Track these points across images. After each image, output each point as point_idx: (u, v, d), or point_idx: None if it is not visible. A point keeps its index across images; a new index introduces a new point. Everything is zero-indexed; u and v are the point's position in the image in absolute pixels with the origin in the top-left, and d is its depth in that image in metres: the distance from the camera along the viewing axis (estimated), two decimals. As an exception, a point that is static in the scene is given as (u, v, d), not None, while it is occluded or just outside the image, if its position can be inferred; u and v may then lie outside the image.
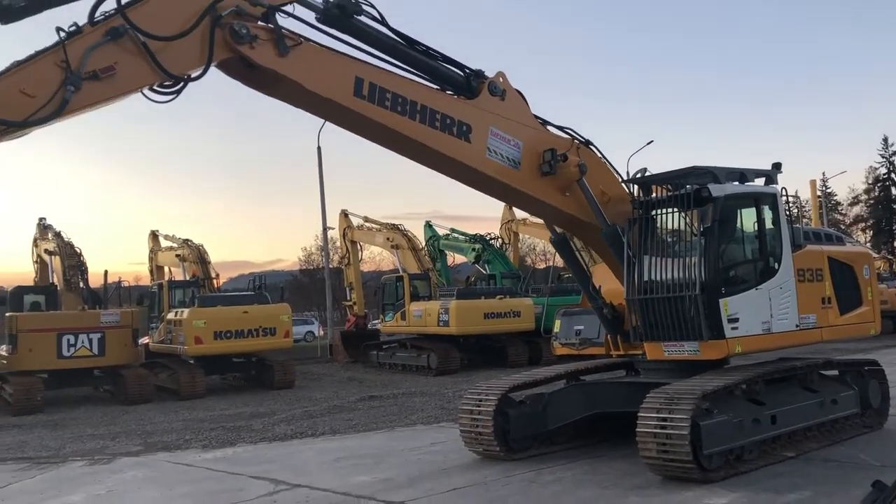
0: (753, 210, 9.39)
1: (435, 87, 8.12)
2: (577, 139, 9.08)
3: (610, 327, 9.74)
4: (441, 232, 31.17)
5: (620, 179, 9.57)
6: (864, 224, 76.66)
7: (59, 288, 20.92)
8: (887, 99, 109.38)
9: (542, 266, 65.65)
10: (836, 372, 10.46)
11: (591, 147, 9.25)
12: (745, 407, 8.56)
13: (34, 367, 18.41)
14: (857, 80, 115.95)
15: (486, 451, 9.55)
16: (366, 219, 29.42)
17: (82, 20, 6.04)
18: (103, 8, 6.14)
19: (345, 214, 30.21)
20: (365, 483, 8.75)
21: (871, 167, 75.93)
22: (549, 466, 9.05)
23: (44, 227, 22.67)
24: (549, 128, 9.01)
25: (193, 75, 6.56)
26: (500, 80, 8.49)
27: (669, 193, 9.24)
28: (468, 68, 8.35)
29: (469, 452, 9.79)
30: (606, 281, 9.85)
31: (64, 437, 13.81)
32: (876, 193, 76.13)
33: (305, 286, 67.98)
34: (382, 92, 7.43)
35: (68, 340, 18.54)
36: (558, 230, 9.93)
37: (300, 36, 7.05)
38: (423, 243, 29.34)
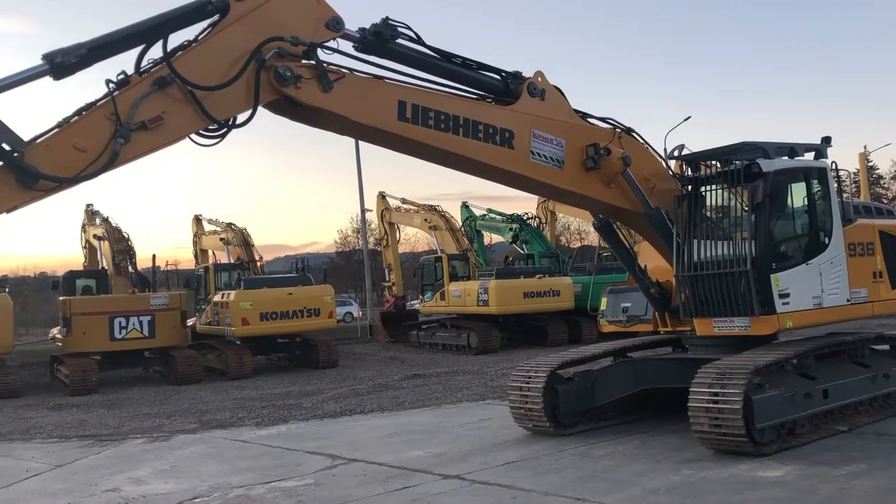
0: (804, 185, 9.38)
1: (475, 97, 8.20)
2: (618, 128, 9.10)
3: (658, 305, 9.79)
4: (478, 212, 31.24)
5: (664, 159, 9.56)
6: (908, 198, 74.91)
7: (108, 272, 21.49)
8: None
9: (578, 245, 65.42)
10: (887, 346, 10.42)
11: (634, 134, 9.24)
12: (797, 381, 8.58)
13: (88, 349, 18.99)
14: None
15: (535, 427, 9.70)
16: (403, 200, 29.60)
17: (131, 68, 6.10)
18: (150, 54, 6.21)
19: (382, 196, 30.39)
20: (419, 457, 8.97)
21: (916, 139, 73.98)
22: (598, 442, 9.19)
23: (91, 213, 23.24)
24: (589, 120, 9.04)
25: (240, 120, 6.60)
26: (539, 79, 8.52)
27: (719, 169, 9.24)
28: (505, 72, 8.40)
29: (518, 428, 9.95)
30: (651, 259, 9.90)
31: (121, 416, 14.29)
32: (922, 166, 74.16)
33: (342, 268, 68.50)
34: (425, 111, 7.53)
35: (120, 323, 19.08)
36: (601, 216, 9.98)
37: (342, 67, 7.10)
38: (461, 224, 29.45)
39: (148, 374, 21.42)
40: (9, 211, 5.48)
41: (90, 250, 23.70)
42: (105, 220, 22.10)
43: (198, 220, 27.62)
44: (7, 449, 11.62)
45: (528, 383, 9.65)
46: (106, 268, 21.83)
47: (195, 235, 27.57)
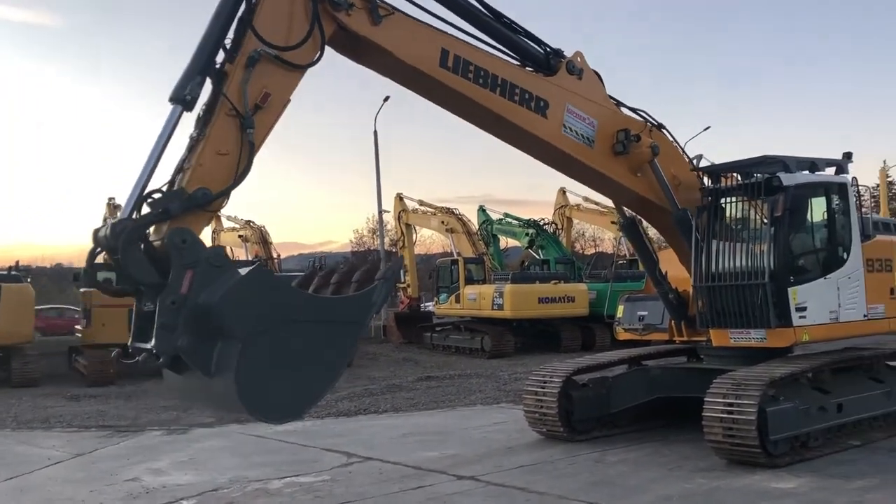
0: (823, 200, 9.42)
1: (515, 62, 8.41)
2: (650, 122, 9.24)
3: (675, 313, 9.86)
4: (494, 216, 31.34)
5: (692, 161, 9.67)
6: (928, 214, 74.37)
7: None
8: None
9: (592, 251, 65.30)
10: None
11: (664, 131, 9.40)
12: (811, 395, 8.64)
13: (107, 341, 19.12)
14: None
15: (549, 432, 9.79)
16: (421, 202, 29.76)
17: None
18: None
19: (400, 198, 30.57)
20: (434, 458, 9.08)
21: (935, 155, 73.49)
22: (612, 448, 9.27)
23: (114, 207, 23.47)
24: (622, 109, 9.20)
25: (314, 59, 6.84)
26: (578, 59, 8.75)
27: (739, 182, 9.32)
28: (549, 46, 8.63)
29: (532, 432, 10.04)
30: (672, 267, 9.96)
31: (138, 408, 14.48)
32: (943, 182, 73.61)
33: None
34: (466, 64, 7.77)
35: (139, 316, 19.23)
36: (628, 214, 10.08)
37: (392, 7, 7.36)
38: (477, 227, 29.58)
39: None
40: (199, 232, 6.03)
41: (111, 243, 23.89)
42: (127, 214, 22.31)
43: (216, 216, 27.83)
44: (28, 437, 11.84)
45: (544, 388, 9.75)
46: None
47: (213, 231, 27.77)
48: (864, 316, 9.33)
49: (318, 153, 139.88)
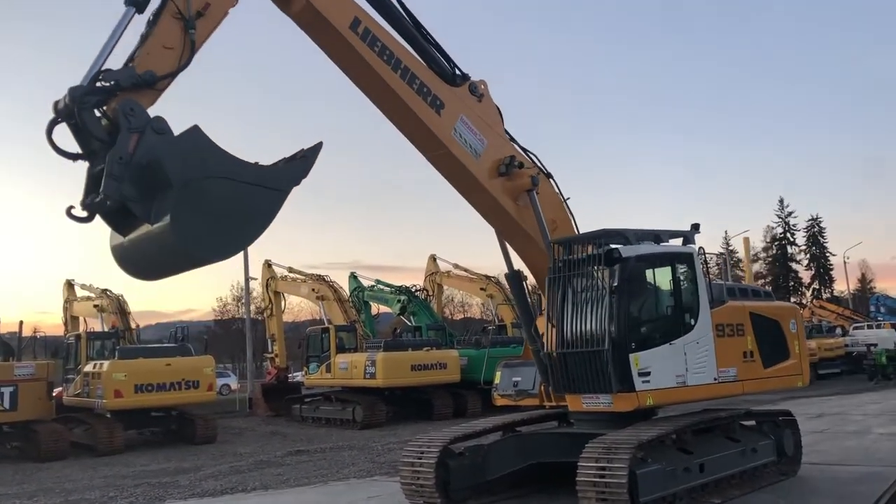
0: (668, 269, 9.85)
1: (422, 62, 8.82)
2: (539, 168, 9.74)
3: (544, 373, 10.00)
4: (366, 283, 31.21)
5: (573, 220, 10.23)
6: (763, 280, 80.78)
7: (-34, 339, 19.93)
8: (784, 161, 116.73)
9: (461, 317, 66.34)
10: (754, 422, 11.08)
11: (552, 181, 9.87)
12: (676, 456, 9.00)
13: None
14: (756, 142, 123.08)
15: (426, 503, 9.64)
16: (290, 269, 29.23)
17: None
18: None
19: (268, 265, 29.91)
20: (308, 538, 8.72)
21: (768, 226, 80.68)
22: (489, 517, 9.24)
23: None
24: (515, 146, 9.65)
25: None
26: (482, 86, 9.30)
27: (583, 254, 9.70)
28: (458, 67, 9.11)
29: (409, 505, 9.86)
30: (546, 331, 10.22)
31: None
32: (773, 251, 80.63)
33: (220, 337, 66.05)
34: (374, 39, 8.32)
35: (-23, 394, 17.62)
36: (514, 266, 10.40)
37: None
38: (349, 294, 29.32)
39: (4, 451, 19.74)
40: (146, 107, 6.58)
41: (-53, 315, 21.96)
42: (-34, 283, 20.62)
43: (70, 284, 26.20)
44: None
45: (421, 458, 9.62)
46: (-36, 334, 20.25)
47: (66, 301, 26.08)
48: (715, 379, 9.75)
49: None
